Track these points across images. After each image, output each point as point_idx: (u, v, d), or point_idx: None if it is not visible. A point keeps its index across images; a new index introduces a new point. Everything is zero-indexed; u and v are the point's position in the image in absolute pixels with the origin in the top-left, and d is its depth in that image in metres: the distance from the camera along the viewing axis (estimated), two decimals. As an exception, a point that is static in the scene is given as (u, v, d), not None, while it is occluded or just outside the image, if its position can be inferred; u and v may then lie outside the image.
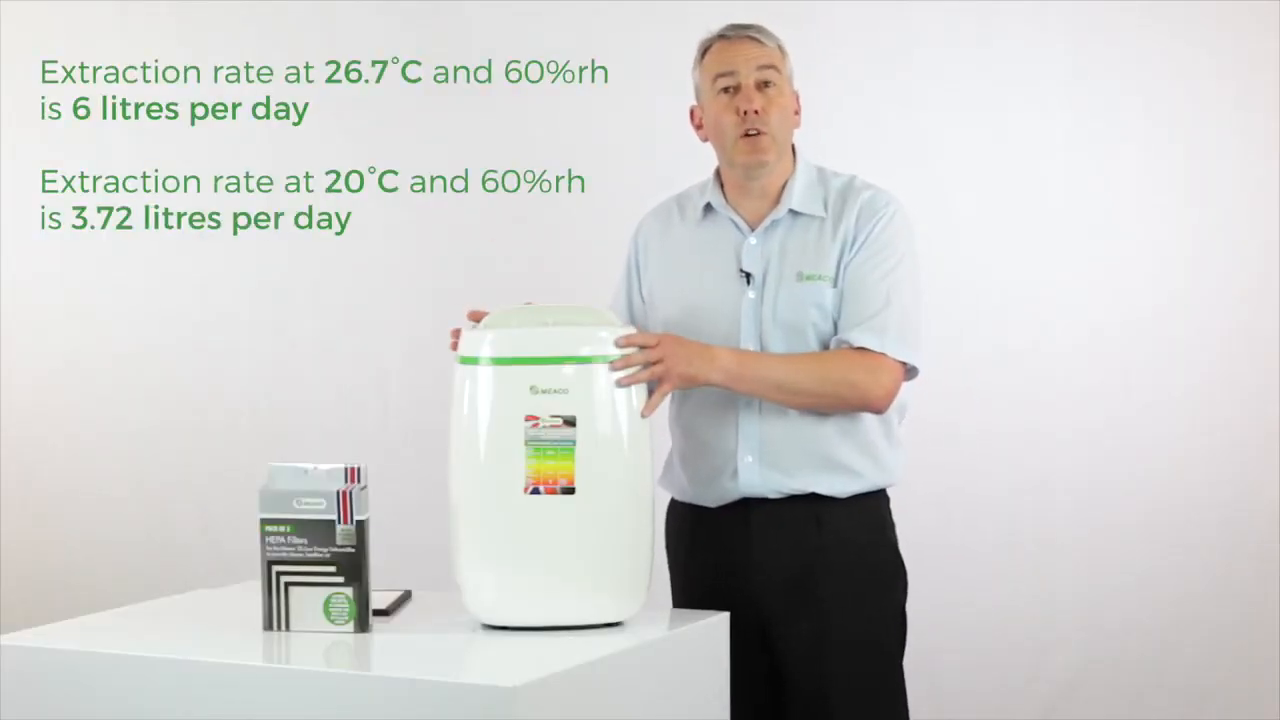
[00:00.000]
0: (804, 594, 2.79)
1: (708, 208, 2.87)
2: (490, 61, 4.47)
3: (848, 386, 2.72)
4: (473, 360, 2.55)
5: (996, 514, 4.30)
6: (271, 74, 4.59)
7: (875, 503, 2.85)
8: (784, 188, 2.83)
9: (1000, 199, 4.29)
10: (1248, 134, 4.19)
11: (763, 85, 2.79)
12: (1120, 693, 4.26)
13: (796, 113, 2.85)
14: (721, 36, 2.82)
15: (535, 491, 2.52)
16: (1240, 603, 4.23)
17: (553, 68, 4.45)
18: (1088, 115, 4.25)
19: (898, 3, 4.27)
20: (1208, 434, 4.23)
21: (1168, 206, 4.25)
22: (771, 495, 2.79)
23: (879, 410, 2.77)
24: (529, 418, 2.52)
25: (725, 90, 2.80)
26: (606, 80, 4.42)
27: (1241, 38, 4.18)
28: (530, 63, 4.46)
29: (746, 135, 2.79)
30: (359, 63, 4.54)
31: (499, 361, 2.53)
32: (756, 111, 2.77)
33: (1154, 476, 4.25)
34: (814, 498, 2.78)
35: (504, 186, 4.47)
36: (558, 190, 4.44)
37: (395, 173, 4.54)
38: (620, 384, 2.55)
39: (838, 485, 2.79)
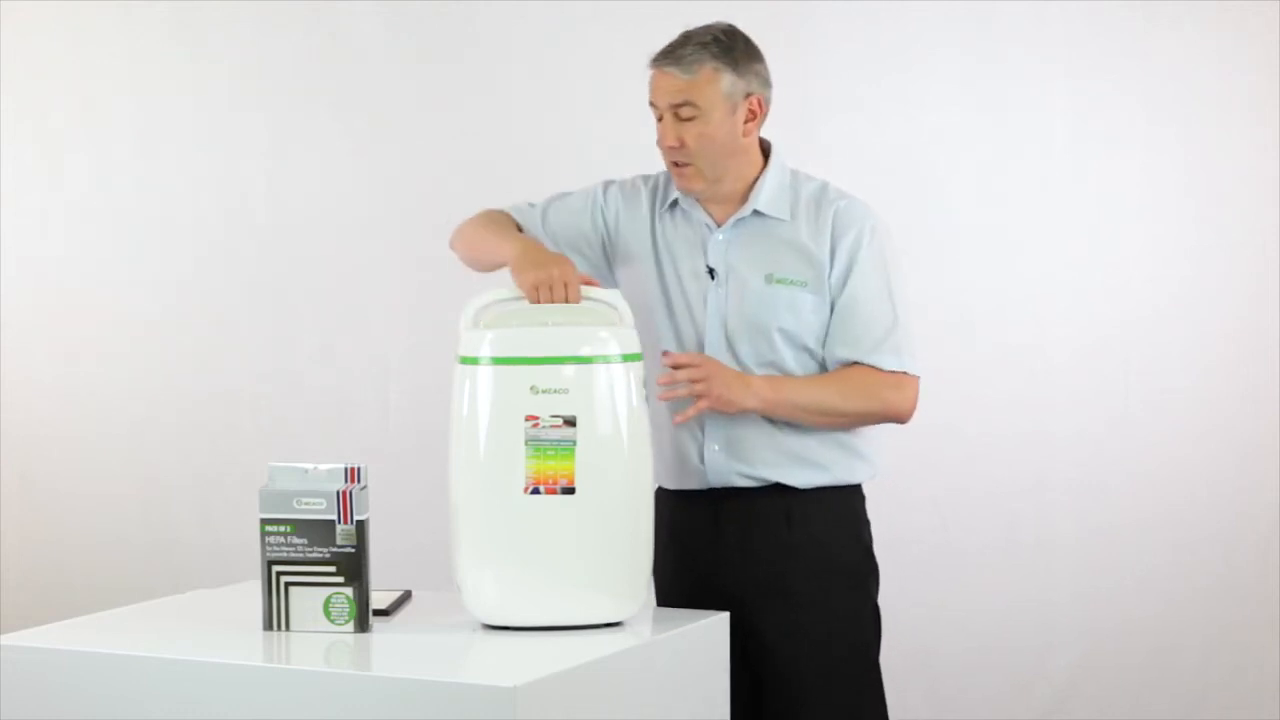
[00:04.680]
0: (775, 590, 2.80)
1: (675, 203, 2.88)
2: (492, 61, 4.47)
3: (879, 403, 2.79)
4: (473, 360, 2.55)
5: (997, 514, 4.30)
6: (271, 74, 4.60)
7: (848, 499, 2.86)
8: (751, 187, 2.83)
9: (1000, 199, 4.29)
10: (1248, 134, 4.19)
11: (680, 119, 2.77)
12: (1120, 693, 4.27)
13: (749, 121, 2.80)
14: (652, 61, 2.81)
15: (535, 491, 2.52)
16: (1240, 603, 4.23)
17: (554, 68, 4.46)
18: (1088, 115, 4.25)
19: (898, 3, 4.27)
20: (1208, 434, 4.24)
21: (1168, 206, 4.26)
22: (738, 484, 2.81)
23: (905, 421, 2.83)
24: (529, 417, 2.52)
25: (657, 118, 2.81)
26: (607, 81, 4.42)
27: (1241, 38, 4.18)
28: (531, 63, 4.46)
29: (675, 164, 2.81)
30: (360, 62, 4.54)
31: (499, 361, 2.53)
32: (672, 146, 2.78)
33: (1154, 476, 4.25)
34: (782, 490, 2.80)
35: (505, 186, 4.46)
36: (559, 190, 4.43)
37: (395, 172, 4.54)
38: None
39: (802, 477, 2.80)
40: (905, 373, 2.80)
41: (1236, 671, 4.23)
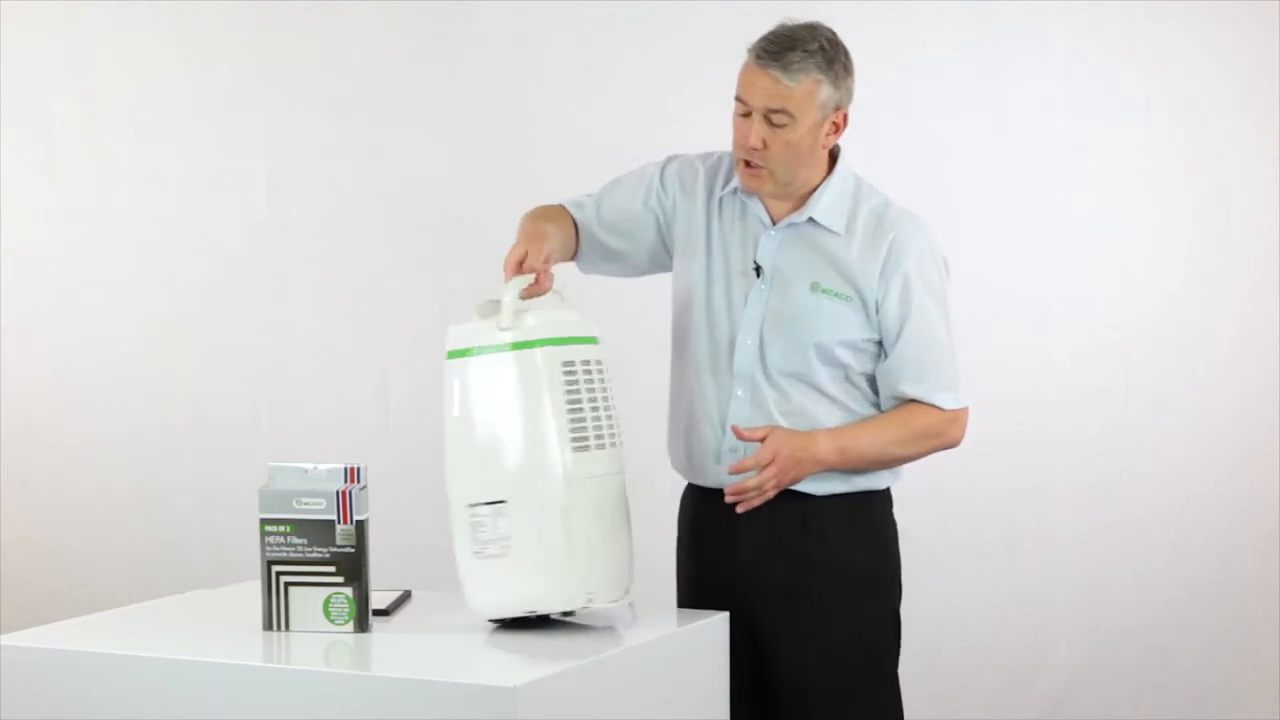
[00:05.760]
0: (791, 595, 2.79)
1: (736, 191, 2.84)
2: (492, 61, 4.47)
3: (939, 442, 2.81)
4: None
5: (996, 514, 4.29)
6: (270, 74, 4.60)
7: (869, 505, 2.83)
8: (812, 193, 2.80)
9: (1000, 199, 4.28)
10: (1248, 134, 4.19)
11: (771, 124, 2.72)
12: (1120, 693, 4.26)
13: (831, 135, 2.77)
14: (755, 56, 2.72)
15: None
16: (1240, 603, 4.23)
17: (554, 68, 4.45)
18: (1088, 115, 4.25)
19: (898, 3, 4.27)
20: (1208, 434, 4.23)
21: (1167, 207, 4.25)
22: None
23: (958, 446, 2.84)
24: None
25: (740, 113, 2.76)
26: (609, 81, 4.42)
27: (1242, 38, 4.18)
28: (531, 63, 4.46)
29: (746, 163, 2.76)
30: (360, 62, 4.54)
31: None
32: (753, 147, 2.72)
33: (1154, 476, 4.24)
34: (800, 496, 2.77)
35: (505, 186, 4.47)
36: (559, 191, 4.42)
37: (395, 172, 4.54)
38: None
39: (821, 485, 2.77)
40: (960, 408, 2.80)
41: (1236, 671, 4.23)
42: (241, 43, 4.60)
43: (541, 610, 2.53)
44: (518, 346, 2.53)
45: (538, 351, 2.53)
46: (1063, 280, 4.28)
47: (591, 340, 2.59)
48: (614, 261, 2.90)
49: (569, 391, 2.53)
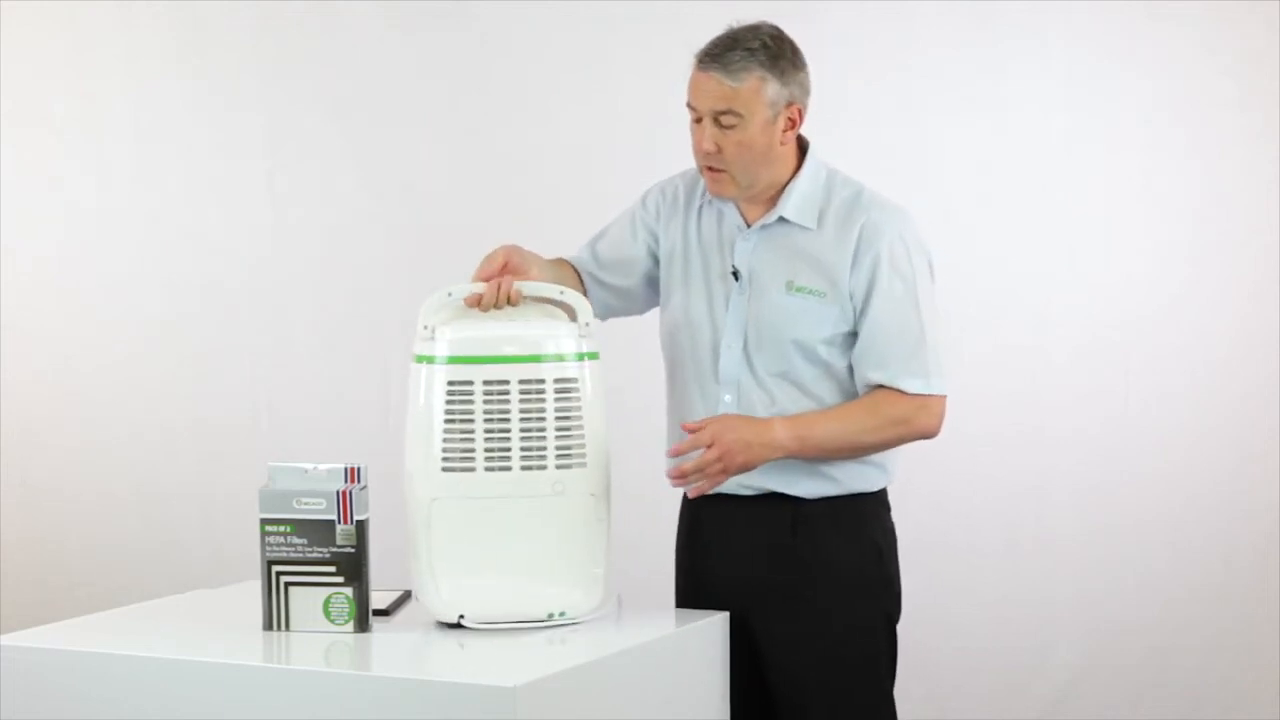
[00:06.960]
0: (782, 596, 2.77)
1: (711, 201, 2.84)
2: (492, 61, 4.47)
3: (905, 429, 2.74)
4: None
5: (996, 514, 4.29)
6: (270, 74, 4.60)
7: (858, 507, 2.80)
8: (783, 191, 2.79)
9: (1000, 199, 4.28)
10: (1248, 134, 4.19)
11: (721, 126, 2.71)
12: (1120, 693, 4.26)
13: (787, 131, 2.74)
14: (698, 61, 2.73)
15: None
16: (1240, 603, 4.23)
17: (554, 69, 4.45)
18: (1088, 115, 4.25)
19: (898, 3, 4.27)
20: (1208, 434, 4.23)
21: (1168, 206, 4.25)
22: (739, 493, 2.76)
23: (933, 438, 2.79)
24: None
25: (693, 119, 2.76)
26: (609, 81, 4.42)
27: (1241, 38, 4.18)
28: (532, 63, 4.46)
29: (709, 168, 2.75)
30: (360, 62, 4.54)
31: None
32: (708, 151, 2.72)
33: (1154, 476, 4.24)
34: (788, 499, 2.76)
35: (504, 186, 4.47)
36: (559, 191, 4.44)
37: (395, 172, 4.54)
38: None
39: (807, 487, 2.76)
40: (931, 394, 2.74)
41: (1236, 671, 4.23)
42: (241, 43, 4.60)
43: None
44: (420, 360, 2.65)
45: (438, 368, 2.62)
46: (1063, 280, 4.27)
47: (513, 359, 2.61)
48: (622, 299, 2.92)
49: (449, 410, 2.58)
